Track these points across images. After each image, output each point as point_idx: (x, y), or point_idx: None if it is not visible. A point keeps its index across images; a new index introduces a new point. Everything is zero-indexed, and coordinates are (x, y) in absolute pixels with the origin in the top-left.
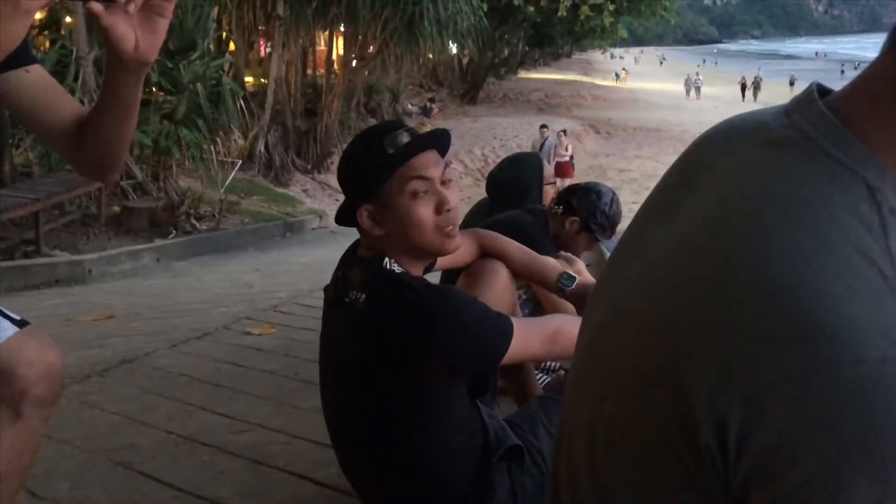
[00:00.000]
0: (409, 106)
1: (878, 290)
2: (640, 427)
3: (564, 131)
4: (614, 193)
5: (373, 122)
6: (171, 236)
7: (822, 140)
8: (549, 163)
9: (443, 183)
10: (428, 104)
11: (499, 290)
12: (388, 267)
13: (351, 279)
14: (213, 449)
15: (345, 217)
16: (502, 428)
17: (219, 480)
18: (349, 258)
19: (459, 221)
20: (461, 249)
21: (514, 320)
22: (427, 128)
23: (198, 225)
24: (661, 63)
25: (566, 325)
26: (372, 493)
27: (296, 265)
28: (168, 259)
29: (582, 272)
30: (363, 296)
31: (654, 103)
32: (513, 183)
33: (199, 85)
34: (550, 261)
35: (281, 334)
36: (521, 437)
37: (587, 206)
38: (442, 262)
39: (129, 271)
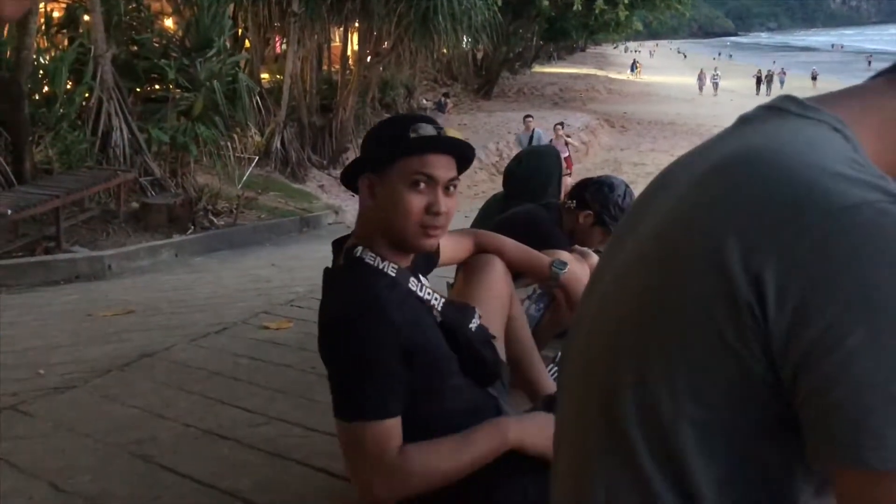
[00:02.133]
0: (424, 101)
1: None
2: (678, 315)
3: (561, 123)
4: (627, 186)
5: (387, 116)
6: (188, 232)
7: (792, 107)
8: None
9: (445, 189)
10: (442, 99)
11: (494, 279)
12: (356, 254)
13: (326, 274)
14: (232, 442)
15: (349, 177)
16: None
17: (238, 473)
18: (339, 244)
19: (447, 228)
20: (459, 247)
21: (373, 425)
22: (458, 135)
23: (215, 221)
24: (685, 57)
25: (430, 467)
26: None
27: (312, 260)
28: (186, 254)
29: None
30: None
31: (669, 97)
32: (531, 177)
33: (215, 82)
34: (543, 255)
35: (298, 329)
36: None
37: (600, 200)
38: (444, 257)
39: (148, 267)
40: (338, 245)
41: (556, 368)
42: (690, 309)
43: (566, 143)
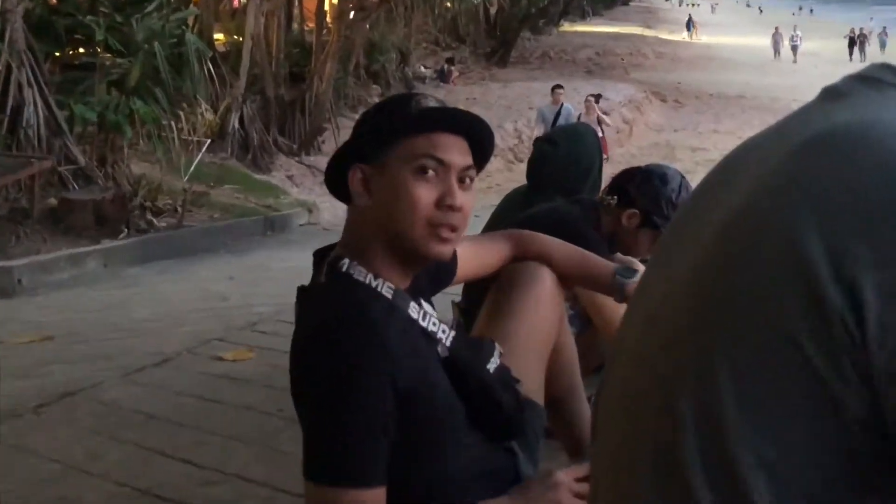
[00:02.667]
0: (422, 68)
1: None
2: (748, 333)
3: (598, 96)
4: (683, 177)
5: (375, 88)
6: (121, 236)
7: (890, 77)
8: None
9: (461, 181)
10: (445, 66)
11: (543, 300)
12: (343, 269)
13: (304, 292)
14: None
15: (335, 172)
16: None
17: None
18: (321, 257)
19: (464, 229)
20: (489, 254)
21: (350, 494)
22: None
23: (155, 221)
24: (760, 12)
25: None
26: None
27: (280, 272)
28: (118, 265)
29: None
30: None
31: (735, 63)
32: (567, 165)
33: (156, 44)
34: (601, 259)
35: (261, 360)
36: None
37: (649, 195)
38: (464, 270)
39: (70, 281)
40: (320, 257)
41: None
42: (764, 325)
43: (599, 122)
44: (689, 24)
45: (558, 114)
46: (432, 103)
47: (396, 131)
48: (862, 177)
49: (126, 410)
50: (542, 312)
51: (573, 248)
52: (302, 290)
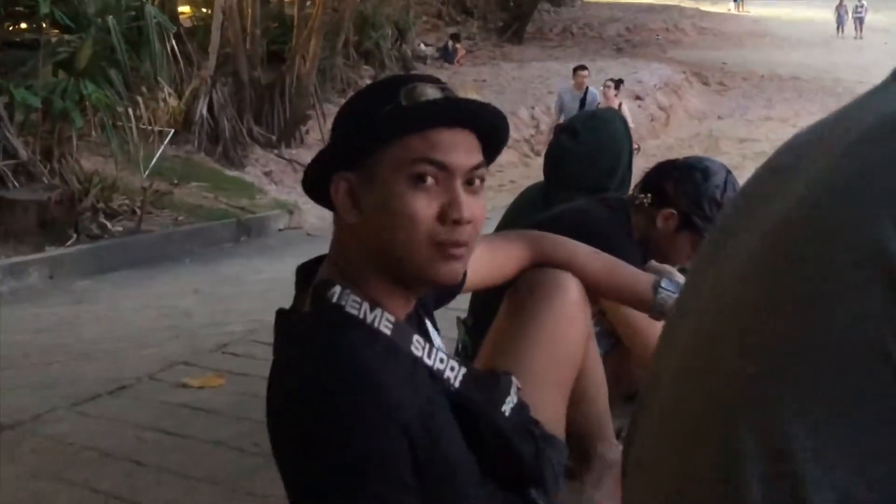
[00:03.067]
0: (423, 47)
1: None
2: (824, 342)
3: (618, 82)
4: (729, 172)
5: (368, 69)
6: (70, 242)
7: None
8: None
9: (468, 182)
10: (450, 44)
11: (567, 316)
12: (333, 299)
13: (293, 308)
14: None
15: (315, 179)
16: None
17: None
18: (299, 281)
19: (475, 244)
20: (502, 259)
21: None
22: (475, 96)
23: (110, 226)
24: None
25: None
26: None
27: (255, 285)
28: (66, 276)
29: None
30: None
31: (791, 39)
32: (593, 158)
33: (110, 19)
34: (637, 270)
35: (233, 387)
36: None
37: (689, 192)
38: (474, 277)
39: (9, 294)
40: (304, 276)
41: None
42: (841, 333)
43: (620, 109)
44: None
45: (583, 101)
46: (429, 91)
47: (385, 131)
48: None
49: (76, 447)
50: (565, 331)
51: (603, 254)
52: (283, 317)
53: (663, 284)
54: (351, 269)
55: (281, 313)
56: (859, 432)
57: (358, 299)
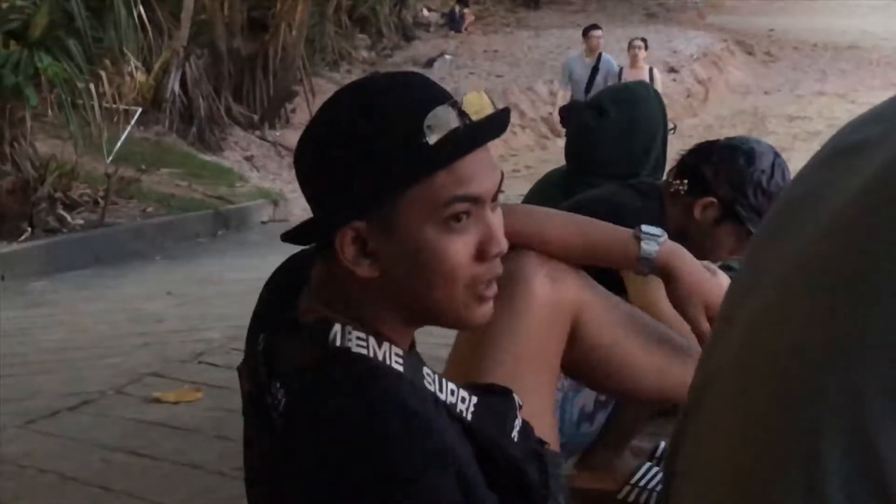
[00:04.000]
0: (426, 12)
1: None
2: None
3: (643, 41)
4: (777, 155)
5: (363, 39)
6: (23, 237)
7: None
8: None
9: (492, 201)
10: (457, 9)
11: (534, 314)
12: (336, 343)
13: (280, 358)
14: None
15: (305, 235)
16: None
17: None
18: (282, 307)
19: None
20: None
21: None
22: (483, 102)
23: (69, 218)
24: None
25: None
26: None
27: (235, 285)
28: (19, 276)
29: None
30: (284, 399)
31: (848, 2)
32: (622, 138)
33: None
34: (614, 226)
35: (212, 402)
36: None
37: (732, 178)
38: None
39: None
40: (281, 304)
41: (658, 471)
42: None
43: (652, 79)
44: None
45: (595, 69)
46: (449, 118)
47: (409, 176)
48: None
49: (33, 470)
50: (533, 331)
51: (577, 217)
52: (288, 379)
53: (644, 230)
54: (353, 308)
55: (284, 375)
56: None
57: (363, 336)
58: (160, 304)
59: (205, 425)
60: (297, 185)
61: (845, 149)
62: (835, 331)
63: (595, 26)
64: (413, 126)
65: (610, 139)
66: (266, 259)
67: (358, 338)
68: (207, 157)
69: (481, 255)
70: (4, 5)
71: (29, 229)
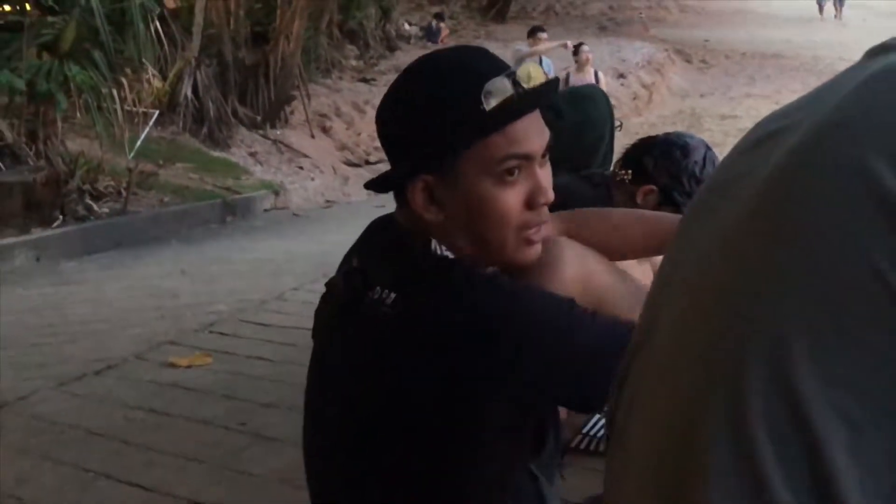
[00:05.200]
0: (407, 26)
1: None
2: (827, 270)
3: (577, 46)
4: (708, 148)
5: (352, 49)
6: (56, 224)
7: None
8: None
9: (541, 160)
10: (434, 23)
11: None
12: (437, 252)
13: (375, 272)
14: None
15: (383, 184)
16: None
17: None
18: (372, 241)
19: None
20: None
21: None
22: (535, 70)
23: (96, 207)
24: None
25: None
26: None
27: (241, 264)
28: (53, 258)
29: None
30: (392, 294)
31: (774, 16)
32: (575, 134)
33: (94, 0)
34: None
35: (220, 366)
36: None
37: (669, 168)
38: None
39: None
40: (380, 231)
41: (602, 421)
42: (839, 262)
43: (596, 77)
44: None
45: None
46: (504, 86)
47: (469, 133)
48: None
49: (62, 426)
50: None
51: (637, 212)
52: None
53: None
54: (438, 238)
55: (386, 281)
56: (855, 351)
57: (452, 254)
58: (175, 282)
59: (214, 387)
60: (295, 178)
61: (764, 137)
62: (754, 281)
63: (539, 28)
64: (473, 95)
65: (565, 137)
66: (268, 242)
67: (450, 253)
68: (216, 154)
69: (530, 203)
70: (37, 21)
71: (61, 217)
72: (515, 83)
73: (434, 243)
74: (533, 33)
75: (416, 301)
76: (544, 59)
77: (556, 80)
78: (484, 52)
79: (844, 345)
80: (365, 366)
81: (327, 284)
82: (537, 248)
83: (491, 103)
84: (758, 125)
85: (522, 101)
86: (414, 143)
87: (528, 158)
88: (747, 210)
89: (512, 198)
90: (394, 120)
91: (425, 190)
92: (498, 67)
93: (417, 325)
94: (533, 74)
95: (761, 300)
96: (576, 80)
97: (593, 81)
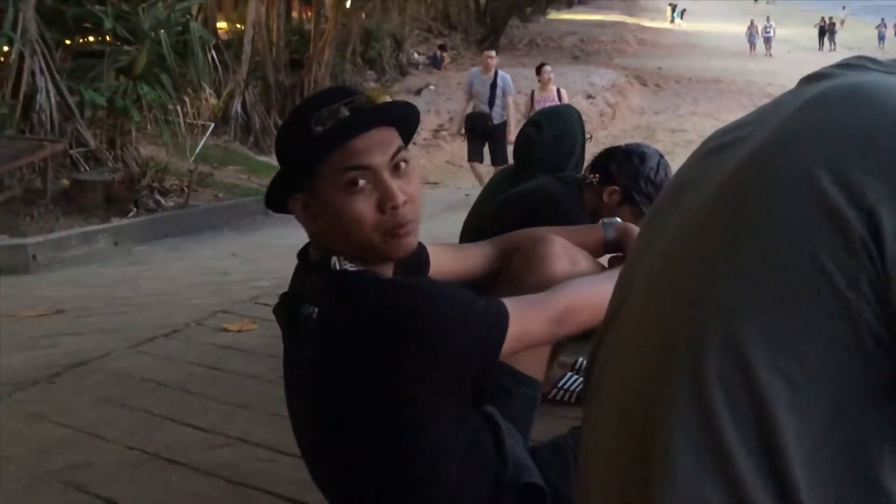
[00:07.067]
0: (416, 55)
1: None
2: (773, 258)
3: (539, 67)
4: (661, 156)
5: (371, 74)
6: (130, 215)
7: (871, 64)
8: (501, 108)
9: (395, 169)
10: (438, 53)
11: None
12: (337, 267)
13: (303, 291)
14: (184, 468)
15: (276, 204)
16: (524, 458)
17: None
18: (299, 263)
19: (418, 216)
20: (480, 259)
21: (509, 301)
22: (383, 98)
23: (163, 201)
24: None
25: (581, 293)
26: None
27: (280, 248)
28: (127, 242)
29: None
30: (315, 309)
31: (715, 49)
32: (553, 146)
33: (161, 32)
34: (585, 225)
35: (264, 331)
36: (546, 478)
37: (629, 173)
38: (440, 266)
39: (82, 257)
40: (303, 257)
41: (577, 378)
42: (787, 248)
43: (559, 94)
44: (676, 11)
45: (493, 84)
46: (330, 115)
47: (309, 157)
48: (863, 120)
49: (136, 379)
50: (549, 271)
51: (558, 228)
52: (335, 278)
53: (605, 221)
54: (336, 250)
55: (309, 298)
56: (795, 323)
57: (352, 266)
58: (227, 262)
59: (259, 348)
60: None
61: (719, 147)
62: (710, 267)
63: (490, 50)
64: (306, 124)
65: (544, 146)
66: (300, 230)
67: (349, 266)
68: (261, 158)
69: (381, 206)
70: (116, 50)
71: (134, 209)
72: (352, 105)
73: (333, 260)
74: (485, 57)
75: (330, 311)
76: (500, 73)
77: (399, 104)
78: (331, 90)
79: (787, 318)
80: (310, 367)
81: (274, 311)
82: (408, 241)
83: (320, 128)
84: (712, 136)
85: (355, 120)
86: (283, 169)
87: (368, 169)
88: (705, 209)
89: (360, 204)
90: (276, 150)
91: (304, 208)
92: (341, 95)
93: (335, 330)
94: (376, 99)
95: (718, 282)
96: (539, 98)
97: (556, 98)
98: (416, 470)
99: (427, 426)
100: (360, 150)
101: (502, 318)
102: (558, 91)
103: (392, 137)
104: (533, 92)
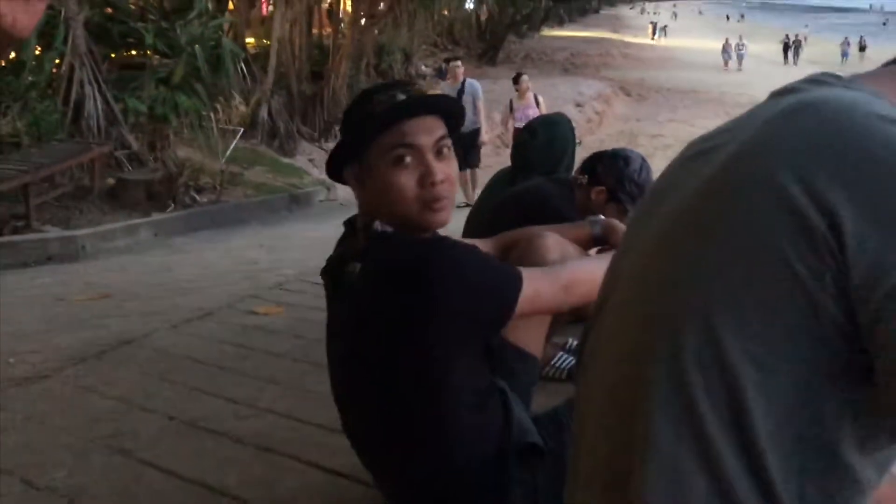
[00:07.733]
0: (423, 67)
1: None
2: (744, 251)
3: (517, 76)
4: (644, 160)
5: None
6: (169, 210)
7: (832, 80)
8: (473, 114)
9: (438, 152)
10: (443, 65)
11: (546, 249)
12: (378, 229)
13: (349, 251)
14: (218, 435)
15: (334, 171)
16: (527, 421)
17: (224, 468)
18: (347, 230)
19: (453, 196)
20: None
21: (524, 269)
22: (436, 91)
23: (198, 198)
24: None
25: (582, 269)
26: (388, 481)
27: (302, 240)
28: (166, 234)
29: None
30: (358, 265)
31: (691, 63)
32: (546, 150)
33: (196, 47)
34: (574, 224)
35: (288, 314)
36: (544, 440)
37: (614, 174)
38: None
39: (125, 247)
40: (349, 226)
41: (568, 357)
42: (756, 245)
43: (537, 100)
44: (657, 29)
45: (461, 91)
46: (390, 97)
47: (365, 132)
48: (825, 134)
49: (175, 356)
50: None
51: (551, 226)
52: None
53: (591, 219)
54: (379, 216)
55: (353, 257)
56: (763, 313)
57: (390, 229)
58: (255, 252)
59: (285, 329)
60: None
61: (697, 153)
62: (688, 261)
63: (454, 59)
64: (369, 103)
65: (539, 150)
66: (321, 225)
67: (388, 228)
68: (285, 160)
69: (422, 181)
70: (155, 62)
71: (172, 204)
72: (408, 92)
73: (376, 223)
74: (449, 64)
75: (371, 265)
76: (468, 80)
77: (446, 98)
78: (394, 82)
79: (755, 306)
80: (351, 315)
81: (322, 272)
82: (442, 216)
83: (379, 108)
84: (692, 143)
85: (409, 105)
86: (342, 140)
87: (414, 148)
88: (684, 209)
89: (404, 178)
90: (340, 129)
91: (357, 177)
92: (399, 85)
93: (374, 281)
94: (434, 89)
95: (695, 275)
96: (518, 106)
97: (534, 106)
98: (436, 408)
99: (448, 371)
100: (410, 131)
101: (517, 278)
102: (536, 98)
103: (438, 125)
104: (511, 100)
